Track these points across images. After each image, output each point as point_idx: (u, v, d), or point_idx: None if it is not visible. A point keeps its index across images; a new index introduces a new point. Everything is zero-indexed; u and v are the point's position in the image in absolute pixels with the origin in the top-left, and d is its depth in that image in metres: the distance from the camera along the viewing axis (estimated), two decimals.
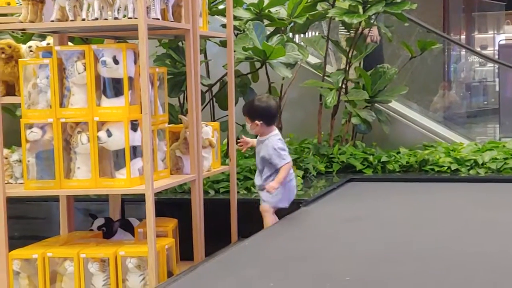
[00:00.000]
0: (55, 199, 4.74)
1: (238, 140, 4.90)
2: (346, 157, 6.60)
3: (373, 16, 6.59)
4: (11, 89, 4.43)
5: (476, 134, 9.65)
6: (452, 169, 6.43)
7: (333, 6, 6.58)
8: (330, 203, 5.37)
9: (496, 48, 13.22)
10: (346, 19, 6.32)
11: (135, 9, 3.89)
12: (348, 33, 7.37)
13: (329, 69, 7.22)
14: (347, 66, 6.85)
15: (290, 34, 6.76)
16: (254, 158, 4.86)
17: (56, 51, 4.06)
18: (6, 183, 4.21)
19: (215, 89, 6.41)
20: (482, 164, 6.39)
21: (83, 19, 4.00)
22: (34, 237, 4.56)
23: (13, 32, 5.60)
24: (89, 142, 3.97)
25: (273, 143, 4.63)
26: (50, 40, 4.73)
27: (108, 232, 4.55)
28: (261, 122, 4.65)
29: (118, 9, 3.94)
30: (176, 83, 5.92)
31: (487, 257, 3.69)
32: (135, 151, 4.00)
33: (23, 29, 4.43)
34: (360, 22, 6.51)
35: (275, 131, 4.73)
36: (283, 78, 6.36)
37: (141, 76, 3.92)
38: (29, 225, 5.50)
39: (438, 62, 10.77)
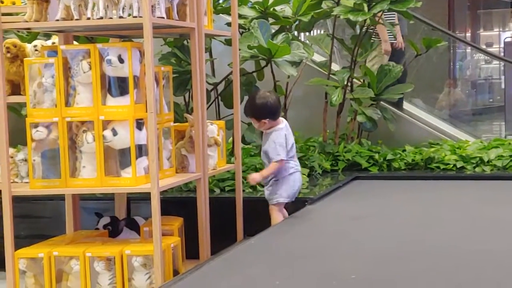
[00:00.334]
0: (61, 198, 4.74)
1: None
2: (351, 155, 6.60)
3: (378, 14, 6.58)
4: (16, 88, 4.44)
5: (481, 131, 9.65)
6: (458, 166, 6.42)
7: (338, 4, 6.57)
8: (336, 201, 5.37)
9: (502, 45, 13.19)
10: (351, 17, 6.31)
11: (140, 7, 3.89)
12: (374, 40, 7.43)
13: (334, 67, 7.22)
14: (353, 64, 6.84)
15: (295, 32, 6.76)
16: (259, 156, 4.87)
17: (61, 50, 4.05)
18: (12, 182, 4.21)
19: (221, 87, 6.40)
20: (488, 161, 6.38)
21: (88, 18, 3.99)
22: (40, 236, 4.56)
23: (18, 31, 5.60)
24: (95, 141, 3.97)
25: (275, 137, 4.63)
26: (55, 39, 4.73)
27: (113, 231, 4.55)
28: (268, 119, 4.66)
29: (123, 8, 3.94)
30: (182, 82, 5.92)
31: (494, 255, 3.68)
32: (141, 150, 3.99)
33: (28, 28, 4.43)
34: (365, 20, 6.50)
35: (281, 124, 4.73)
36: (289, 77, 6.36)
37: (146, 74, 3.92)
38: (35, 224, 5.51)
39: (444, 59, 10.77)
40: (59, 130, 4.00)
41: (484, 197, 5.50)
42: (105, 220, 4.61)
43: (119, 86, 3.99)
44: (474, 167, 6.38)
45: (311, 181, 5.98)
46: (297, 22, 6.52)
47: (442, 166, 6.46)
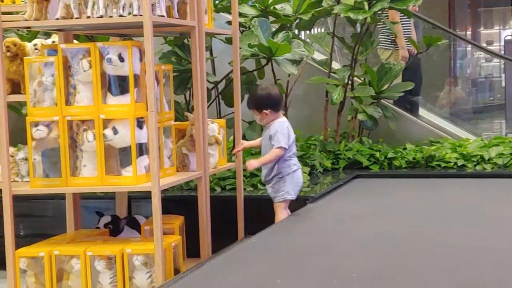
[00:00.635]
0: (62, 197, 4.74)
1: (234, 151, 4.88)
2: (352, 154, 6.59)
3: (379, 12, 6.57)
4: (16, 87, 4.44)
5: (482, 129, 9.65)
6: (459, 164, 6.41)
7: (338, 2, 6.57)
8: (337, 200, 5.36)
9: (502, 43, 13.19)
10: (352, 15, 6.30)
11: (140, 6, 3.88)
12: (392, 47, 7.46)
13: (335, 65, 7.21)
14: (353, 62, 6.83)
15: (296, 31, 6.75)
16: (260, 154, 4.86)
17: (61, 49, 4.05)
18: (12, 181, 4.21)
19: (221, 86, 6.40)
20: (489, 159, 6.37)
21: (88, 17, 3.99)
22: (40, 235, 4.56)
23: (18, 30, 5.60)
24: (95, 140, 3.96)
25: (278, 126, 4.62)
26: (55, 38, 4.73)
27: (114, 229, 4.55)
28: (269, 110, 4.65)
29: (123, 7, 3.93)
30: (182, 80, 5.91)
31: (495, 253, 3.67)
32: (141, 149, 3.99)
33: (28, 27, 4.43)
34: (365, 18, 6.49)
35: (283, 118, 4.74)
36: (289, 75, 6.35)
37: (146, 73, 3.91)
38: (36, 223, 5.50)
39: (444, 58, 10.78)
40: (60, 129, 4.00)
41: (485, 195, 5.50)
42: (106, 219, 4.61)
43: (120, 85, 3.99)
44: (475, 165, 6.38)
45: (312, 179, 5.97)
46: (297, 21, 6.52)
47: (443, 164, 6.46)
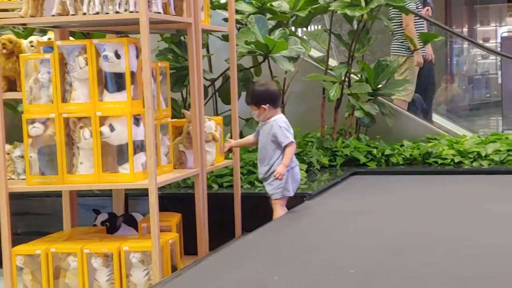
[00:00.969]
0: (58, 194, 4.73)
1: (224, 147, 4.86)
2: (349, 151, 6.59)
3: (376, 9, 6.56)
4: (12, 84, 4.42)
5: (479, 126, 9.67)
6: (456, 161, 6.41)
7: None
8: (334, 197, 5.36)
9: (499, 40, 13.21)
10: (348, 12, 6.30)
11: (137, 3, 3.87)
12: (406, 53, 7.49)
13: (331, 62, 7.20)
14: (350, 59, 6.83)
15: (293, 28, 6.74)
16: (257, 152, 4.85)
17: (57, 46, 4.04)
18: (8, 179, 4.19)
19: (218, 83, 6.39)
20: (485, 156, 6.37)
21: (84, 14, 3.98)
22: (37, 233, 4.55)
23: (14, 27, 5.59)
24: (92, 137, 3.95)
25: (279, 122, 4.62)
26: (51, 35, 4.71)
27: (111, 227, 4.54)
28: (268, 105, 4.64)
29: (119, 3, 3.92)
30: (179, 78, 5.91)
31: (492, 249, 3.67)
32: (138, 146, 3.98)
33: (24, 24, 4.41)
34: (362, 15, 6.49)
35: (280, 113, 4.73)
36: (286, 72, 6.35)
37: (143, 70, 3.90)
38: (32, 221, 5.49)
39: (441, 55, 10.77)
40: (56, 126, 3.99)
41: (481, 191, 5.50)
42: (103, 216, 4.60)
43: (116, 82, 3.98)
44: (472, 162, 6.38)
45: (310, 176, 5.97)
46: (294, 18, 6.51)
47: (440, 161, 6.46)
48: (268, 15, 6.27)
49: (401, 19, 7.68)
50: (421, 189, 5.64)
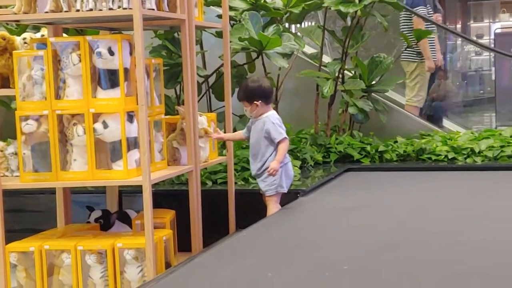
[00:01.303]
0: (52, 191, 4.72)
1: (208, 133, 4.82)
2: (343, 147, 6.59)
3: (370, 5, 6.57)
4: (5, 81, 4.41)
5: (472, 123, 9.67)
6: (449, 157, 6.42)
7: None
8: (328, 193, 5.36)
9: (492, 36, 13.22)
10: (342, 8, 6.30)
11: None
12: (417, 59, 7.55)
13: (325, 59, 7.20)
14: (344, 55, 6.83)
15: (286, 24, 6.74)
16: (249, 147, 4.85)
17: (50, 43, 4.03)
18: (2, 176, 4.19)
19: (212, 80, 6.39)
20: (479, 152, 6.38)
21: (78, 10, 3.97)
22: (31, 230, 4.54)
23: (7, 24, 5.57)
24: (85, 134, 3.94)
25: (272, 119, 4.63)
26: (44, 31, 4.70)
27: (105, 224, 4.54)
28: (260, 101, 4.64)
29: (113, 0, 3.91)
30: (172, 74, 5.90)
31: (485, 245, 3.68)
32: (132, 143, 3.98)
33: (17, 21, 4.40)
34: (355, 11, 6.49)
35: (273, 110, 4.74)
36: (280, 69, 6.35)
37: (137, 67, 3.90)
38: (26, 218, 5.49)
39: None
40: (49, 123, 3.98)
41: (475, 187, 5.51)
42: (97, 213, 4.60)
43: (110, 79, 3.97)
44: (465, 158, 6.39)
45: (303, 173, 5.97)
46: (288, 14, 6.51)
47: (433, 157, 6.47)
48: (262, 12, 6.26)
49: (412, 25, 7.69)
50: (415, 185, 5.65)
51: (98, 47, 3.93)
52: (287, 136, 4.64)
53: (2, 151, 4.43)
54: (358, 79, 6.79)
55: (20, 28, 5.56)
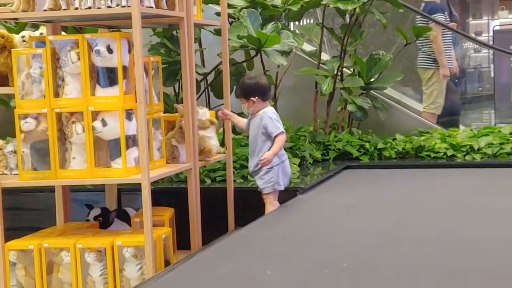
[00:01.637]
0: (51, 190, 4.72)
1: (219, 112, 4.84)
2: (342, 145, 6.60)
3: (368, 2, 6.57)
4: (4, 79, 4.41)
5: (471, 120, 9.67)
6: (448, 155, 6.42)
7: None
8: (327, 191, 5.36)
9: (491, 34, 13.21)
10: (341, 6, 6.30)
11: None
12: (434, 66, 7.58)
13: (324, 56, 7.20)
14: (342, 53, 6.83)
15: (285, 22, 6.73)
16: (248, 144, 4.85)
17: (49, 41, 4.03)
18: (1, 174, 4.19)
19: (210, 77, 6.38)
20: (478, 149, 6.39)
21: (76, 8, 3.97)
22: (30, 228, 4.54)
23: (6, 22, 5.57)
24: (84, 132, 3.94)
25: (269, 114, 4.64)
26: (43, 30, 4.70)
27: (104, 222, 4.54)
28: (257, 97, 4.64)
29: None
30: (171, 72, 5.90)
31: (484, 242, 3.69)
32: (131, 141, 3.98)
33: (16, 19, 4.40)
34: (354, 9, 6.49)
35: (270, 106, 4.74)
36: (278, 66, 6.34)
37: (135, 65, 3.90)
38: (25, 216, 5.49)
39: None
40: (48, 121, 3.98)
41: (474, 185, 5.52)
42: (96, 211, 4.60)
43: (108, 77, 3.97)
44: (465, 155, 6.39)
45: (302, 170, 5.97)
46: (286, 12, 6.50)
47: (432, 155, 6.47)
48: (260, 9, 6.25)
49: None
50: (414, 182, 5.65)
51: (96, 45, 3.93)
52: (284, 131, 4.64)
53: (1, 149, 4.43)
54: (357, 77, 6.79)
55: (18, 26, 5.56)
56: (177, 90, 6.22)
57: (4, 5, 4.77)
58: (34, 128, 4.01)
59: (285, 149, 4.85)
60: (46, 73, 4.00)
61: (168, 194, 5.19)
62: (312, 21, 7.85)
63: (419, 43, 7.81)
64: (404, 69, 8.13)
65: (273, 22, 6.15)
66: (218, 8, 5.67)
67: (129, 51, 4.01)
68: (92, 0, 3.92)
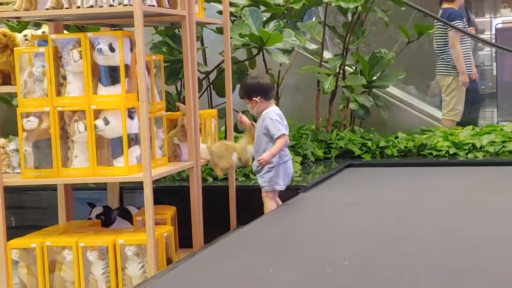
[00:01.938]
0: (53, 188, 4.73)
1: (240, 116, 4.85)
2: (344, 143, 6.60)
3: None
4: (7, 78, 4.42)
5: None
6: (450, 153, 6.42)
7: None
8: (329, 189, 5.36)
9: (493, 32, 13.19)
10: (343, 4, 6.29)
11: None
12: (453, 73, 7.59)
13: (326, 54, 7.20)
14: (344, 51, 6.82)
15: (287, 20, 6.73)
16: (252, 144, 4.85)
17: (51, 39, 4.03)
18: (3, 173, 4.19)
19: (212, 76, 6.39)
20: (480, 147, 6.38)
21: (78, 7, 3.97)
22: (32, 227, 4.55)
23: (8, 21, 5.57)
24: (86, 131, 3.95)
25: (271, 115, 4.62)
26: (45, 28, 4.70)
27: (106, 220, 4.54)
28: (259, 97, 4.64)
29: None
30: (173, 71, 5.90)
31: (486, 241, 3.68)
32: (133, 139, 3.98)
33: (18, 18, 4.40)
34: (356, 7, 6.49)
35: (274, 106, 4.74)
36: (280, 65, 6.34)
37: (137, 63, 3.90)
38: (27, 214, 5.50)
39: None
40: (51, 120, 3.98)
41: (476, 183, 5.51)
42: (98, 210, 4.60)
43: (110, 75, 3.97)
44: (467, 153, 6.39)
45: (304, 169, 5.97)
46: (288, 10, 6.50)
47: (434, 153, 6.47)
48: (262, 8, 6.25)
49: (447, 38, 7.63)
50: (416, 181, 5.65)
51: (99, 44, 3.93)
52: (286, 133, 4.63)
53: (3, 148, 4.44)
54: (359, 75, 6.79)
55: (21, 25, 5.57)
56: (179, 89, 6.23)
57: (7, 3, 4.78)
58: (36, 127, 4.02)
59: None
60: (48, 71, 4.00)
61: (170, 192, 5.19)
62: (314, 19, 7.84)
63: (437, 49, 7.76)
64: (406, 67, 8.13)
65: (275, 21, 6.15)
66: (220, 7, 5.67)
67: (131, 50, 4.01)
68: None
